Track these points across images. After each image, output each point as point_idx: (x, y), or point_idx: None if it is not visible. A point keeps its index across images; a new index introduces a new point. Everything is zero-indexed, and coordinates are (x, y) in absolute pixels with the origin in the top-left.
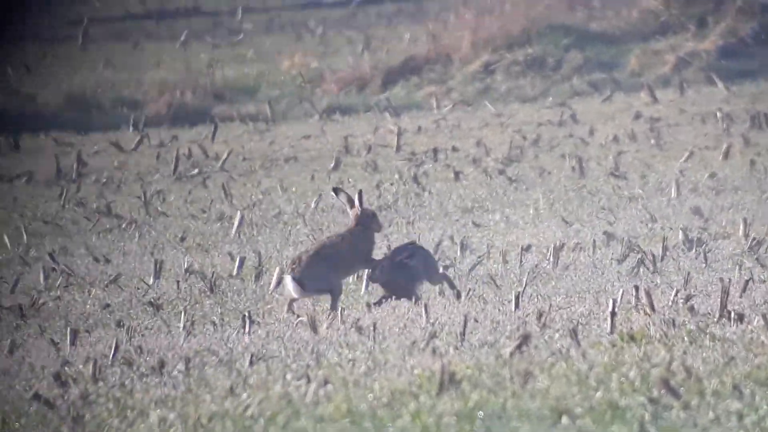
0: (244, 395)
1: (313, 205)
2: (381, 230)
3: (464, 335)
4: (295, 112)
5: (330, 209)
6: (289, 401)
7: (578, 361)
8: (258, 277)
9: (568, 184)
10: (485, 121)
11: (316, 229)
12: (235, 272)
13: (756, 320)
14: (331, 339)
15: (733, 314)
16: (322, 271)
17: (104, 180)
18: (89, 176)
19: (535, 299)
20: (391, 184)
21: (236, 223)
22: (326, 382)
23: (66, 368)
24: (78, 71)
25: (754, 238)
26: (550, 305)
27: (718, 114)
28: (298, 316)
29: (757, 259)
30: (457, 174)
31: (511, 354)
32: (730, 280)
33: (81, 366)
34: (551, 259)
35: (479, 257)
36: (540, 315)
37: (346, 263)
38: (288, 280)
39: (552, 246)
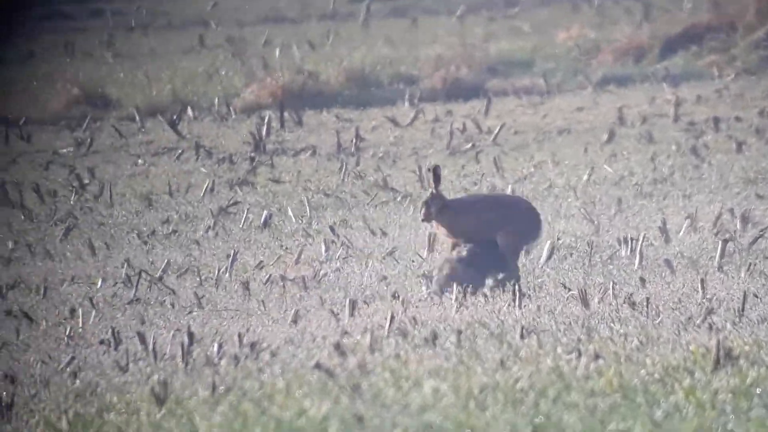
0: (515, 368)
1: (585, 178)
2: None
3: (743, 311)
4: (569, 84)
5: (603, 182)
6: (560, 375)
7: None
8: (528, 250)
9: None
10: None
11: (588, 202)
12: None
13: None
14: (603, 314)
15: None
16: None
17: (381, 154)
18: (367, 150)
19: None
20: (668, 156)
21: None
22: (597, 357)
23: (345, 338)
24: (358, 48)
25: None
26: None
27: None
28: (569, 290)
29: None
30: (739, 144)
31: None
32: None
33: (359, 336)
34: None
35: (761, 230)
36: None
37: None
38: None
39: None
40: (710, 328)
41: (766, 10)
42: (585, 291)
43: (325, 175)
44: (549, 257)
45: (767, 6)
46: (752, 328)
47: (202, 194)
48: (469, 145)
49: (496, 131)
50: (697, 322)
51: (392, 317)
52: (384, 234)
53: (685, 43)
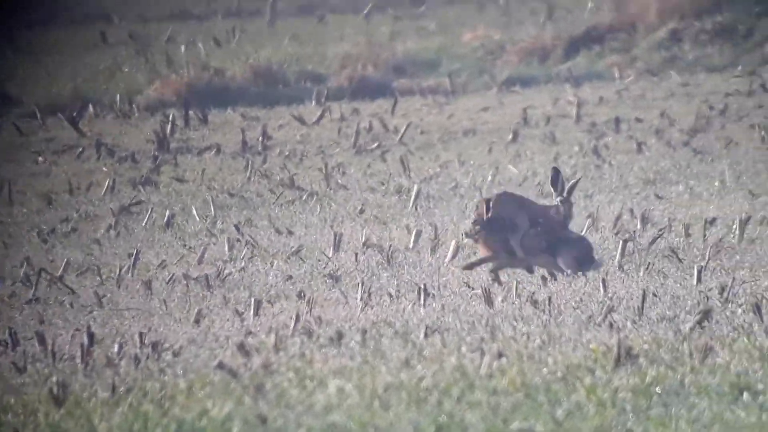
0: (419, 367)
1: (490, 178)
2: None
3: (642, 310)
4: (475, 84)
5: (507, 182)
6: (464, 373)
7: (761, 337)
8: (434, 249)
9: (757, 156)
10: (670, 91)
11: None
12: (411, 245)
13: None
14: (506, 312)
15: None
16: None
17: (287, 153)
18: (273, 149)
19: (718, 273)
20: (570, 157)
21: (413, 196)
22: (500, 356)
23: (249, 338)
24: (265, 46)
25: None
26: (734, 279)
27: None
28: (473, 289)
29: None
30: (639, 145)
31: (691, 329)
32: None
33: (263, 336)
34: (736, 232)
35: (660, 230)
36: (722, 289)
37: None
38: None
39: (738, 219)
40: (611, 326)
41: (667, 12)
42: (488, 290)
43: (230, 174)
44: (454, 256)
45: (668, 7)
46: (651, 327)
47: (103, 193)
48: (376, 144)
49: (402, 131)
50: (598, 320)
51: (297, 317)
52: (290, 233)
53: (587, 44)
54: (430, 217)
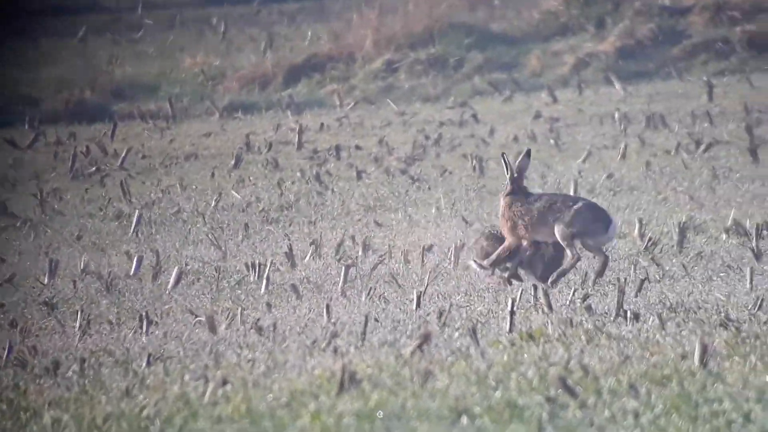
0: (141, 396)
1: (213, 204)
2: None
3: (365, 335)
4: (196, 110)
5: (230, 208)
6: (187, 402)
7: (477, 360)
8: (156, 276)
9: (469, 184)
10: (388, 119)
11: (216, 228)
12: (132, 271)
13: (651, 319)
14: (230, 339)
15: (629, 313)
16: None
17: None
18: None
19: (436, 298)
20: (293, 183)
21: (134, 221)
22: (225, 383)
23: None
24: None
25: (649, 238)
26: (451, 304)
27: (616, 114)
28: (197, 316)
29: (652, 258)
30: (359, 173)
31: (412, 353)
32: (626, 279)
33: None
34: (452, 258)
35: (381, 257)
36: (440, 314)
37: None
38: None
39: (453, 245)
40: (335, 352)
41: (382, 43)
42: (212, 317)
43: None
44: (176, 283)
45: (383, 38)
46: (374, 352)
47: None
48: (94, 168)
49: (122, 155)
50: (322, 346)
51: (10, 346)
52: (2, 260)
53: (308, 72)
54: (152, 243)
